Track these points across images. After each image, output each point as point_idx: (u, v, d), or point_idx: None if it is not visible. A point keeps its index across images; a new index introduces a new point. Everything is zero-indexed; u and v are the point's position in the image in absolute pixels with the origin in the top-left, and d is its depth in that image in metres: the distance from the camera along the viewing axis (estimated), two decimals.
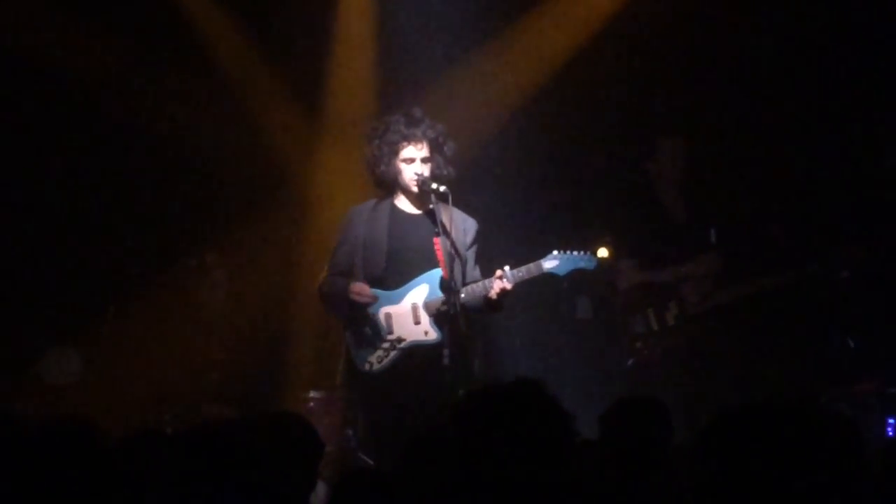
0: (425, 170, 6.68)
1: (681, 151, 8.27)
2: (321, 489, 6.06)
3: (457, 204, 6.67)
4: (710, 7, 8.62)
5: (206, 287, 8.89)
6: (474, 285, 6.61)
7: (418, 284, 6.69)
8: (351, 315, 6.74)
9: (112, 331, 8.76)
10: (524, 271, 6.61)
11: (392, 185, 6.80)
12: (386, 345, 6.67)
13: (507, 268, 6.57)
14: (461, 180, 6.89)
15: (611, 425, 4.69)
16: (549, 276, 6.71)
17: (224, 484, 3.45)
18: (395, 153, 6.72)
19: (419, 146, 6.71)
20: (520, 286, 6.65)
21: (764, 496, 2.99)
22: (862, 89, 8.61)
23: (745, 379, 8.10)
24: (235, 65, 9.18)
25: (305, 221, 9.14)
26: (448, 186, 6.60)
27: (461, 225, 6.73)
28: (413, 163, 6.70)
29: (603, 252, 8.54)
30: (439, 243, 6.58)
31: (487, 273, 6.65)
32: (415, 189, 6.69)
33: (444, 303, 6.56)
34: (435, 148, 6.74)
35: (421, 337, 6.67)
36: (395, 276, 6.71)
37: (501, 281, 6.53)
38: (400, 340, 6.67)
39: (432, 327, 6.66)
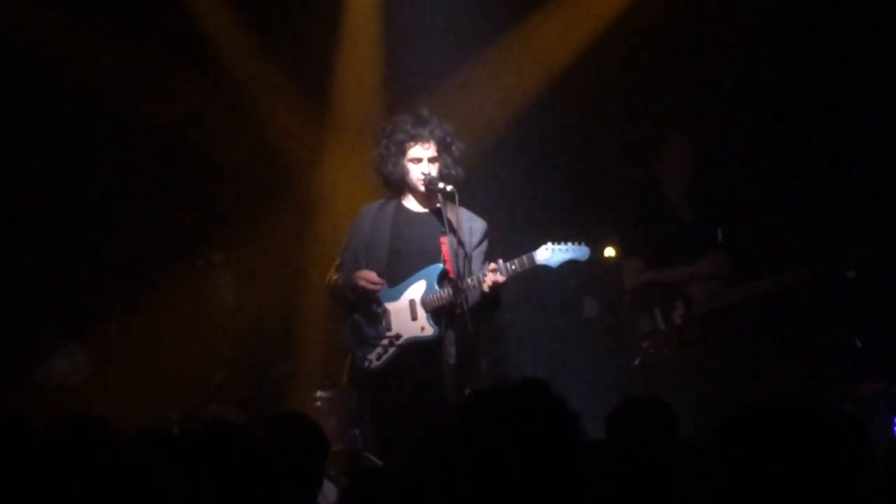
0: (433, 169, 6.69)
1: (687, 151, 8.26)
2: (328, 489, 6.08)
3: (464, 204, 6.68)
4: (715, 6, 8.60)
5: (214, 287, 8.90)
6: (468, 279, 6.59)
7: (416, 281, 6.70)
8: (353, 309, 6.75)
9: (119, 330, 8.77)
10: (517, 263, 6.58)
11: (400, 184, 6.81)
12: (384, 342, 6.69)
13: (500, 260, 6.56)
14: (468, 179, 6.90)
15: (617, 425, 4.69)
16: (543, 269, 6.67)
17: (231, 483, 3.45)
18: (403, 152, 6.73)
19: (427, 146, 6.71)
20: (515, 280, 6.64)
21: (773, 496, 3.00)
22: (870, 87, 8.60)
23: (751, 378, 8.08)
24: (242, 65, 9.18)
25: (312, 221, 9.14)
26: (455, 186, 6.60)
27: (468, 224, 6.73)
28: (420, 162, 6.71)
29: (609, 251, 8.55)
30: (446, 242, 6.59)
31: None
32: (422, 189, 6.70)
33: (443, 298, 6.56)
34: (443, 147, 6.75)
35: (418, 333, 6.68)
36: (397, 274, 6.72)
37: (494, 274, 6.52)
38: (398, 337, 6.69)
39: (429, 323, 6.66)
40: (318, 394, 8.18)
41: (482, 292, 6.57)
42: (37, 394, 8.51)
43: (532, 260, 6.61)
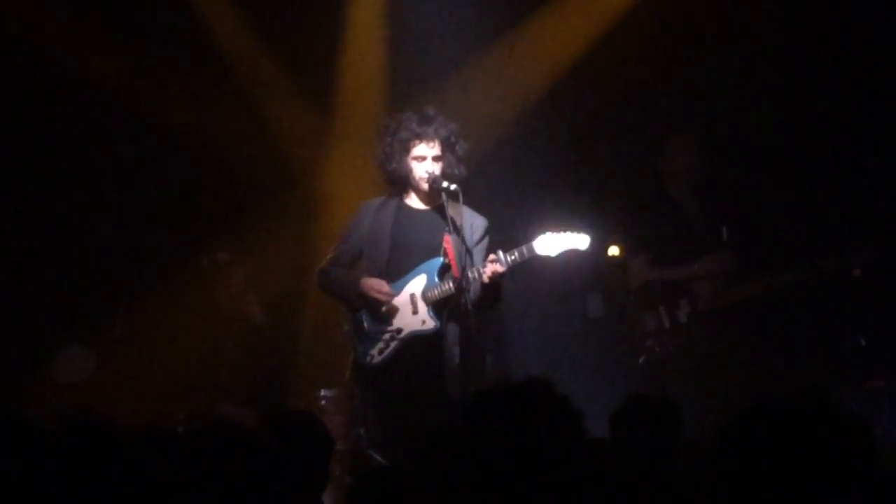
0: (436, 168, 6.69)
1: (692, 149, 8.26)
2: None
3: (468, 202, 6.68)
4: (722, 4, 8.60)
5: (222, 286, 8.92)
6: (469, 272, 6.58)
7: (417, 275, 6.71)
8: (355, 307, 6.76)
9: (124, 329, 8.79)
10: (517, 254, 6.57)
11: (403, 182, 6.81)
12: (386, 336, 6.69)
13: (499, 251, 6.56)
14: (472, 178, 6.90)
15: (621, 423, 4.69)
16: (544, 259, 6.63)
17: (236, 483, 3.46)
18: (407, 150, 6.73)
19: (431, 144, 6.71)
20: (519, 277, 6.64)
21: (779, 494, 3.00)
22: (877, 86, 8.59)
23: (756, 376, 8.08)
24: (247, 65, 9.20)
25: (317, 220, 9.15)
26: (459, 185, 6.60)
27: (469, 222, 6.72)
28: (424, 161, 6.71)
29: (614, 250, 8.54)
30: (450, 241, 6.60)
31: None
32: (425, 187, 6.70)
33: (444, 292, 6.56)
34: (447, 146, 6.75)
35: (419, 326, 6.69)
36: (398, 269, 6.73)
37: (493, 264, 6.52)
38: (399, 331, 6.69)
39: (430, 316, 6.67)
40: (323, 392, 8.20)
41: (483, 284, 6.56)
42: (42, 393, 8.52)
43: (531, 249, 6.59)
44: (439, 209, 6.68)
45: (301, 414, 4.85)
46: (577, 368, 8.98)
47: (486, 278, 6.52)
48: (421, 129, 6.71)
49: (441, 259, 6.66)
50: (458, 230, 6.59)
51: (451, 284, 6.57)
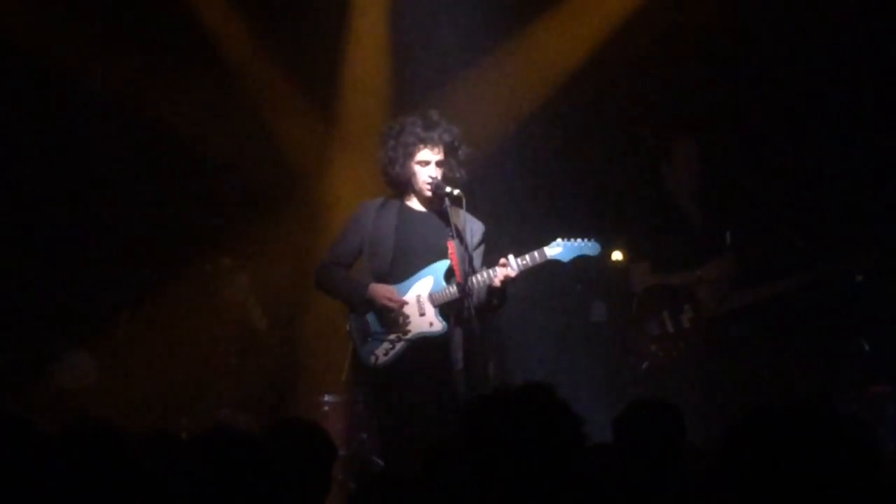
0: (439, 173, 6.69)
1: (694, 154, 8.26)
2: None
3: (471, 208, 6.67)
4: (723, 10, 8.60)
5: (225, 292, 8.92)
6: (475, 276, 6.59)
7: (423, 276, 6.69)
8: (357, 308, 6.75)
9: (127, 335, 8.79)
10: (528, 259, 6.57)
11: (405, 186, 6.79)
12: (392, 337, 6.67)
13: (510, 256, 6.56)
14: (476, 183, 6.90)
15: (624, 428, 4.68)
16: (555, 265, 6.65)
17: (238, 490, 3.46)
18: (411, 155, 6.71)
19: (435, 149, 6.70)
20: (523, 281, 6.64)
21: (782, 499, 3.00)
22: (880, 91, 8.59)
23: (759, 382, 8.09)
24: (249, 68, 9.21)
25: (319, 225, 9.15)
26: (461, 190, 6.60)
27: (469, 226, 6.71)
28: (428, 166, 6.70)
29: (617, 255, 8.54)
30: (453, 247, 6.59)
31: None
32: (428, 193, 6.69)
33: (451, 294, 6.56)
34: (450, 151, 6.74)
35: (426, 328, 6.67)
36: (403, 271, 6.71)
37: (505, 269, 6.52)
38: (406, 332, 6.67)
39: (437, 318, 6.66)
40: (325, 398, 8.19)
41: (490, 288, 6.56)
42: (45, 399, 8.52)
43: (543, 255, 6.60)
44: (441, 213, 6.67)
45: (303, 421, 4.84)
46: (580, 373, 8.97)
47: (497, 282, 6.52)
48: (426, 133, 6.70)
49: (448, 262, 6.65)
50: (460, 235, 6.59)
51: (455, 289, 6.57)
